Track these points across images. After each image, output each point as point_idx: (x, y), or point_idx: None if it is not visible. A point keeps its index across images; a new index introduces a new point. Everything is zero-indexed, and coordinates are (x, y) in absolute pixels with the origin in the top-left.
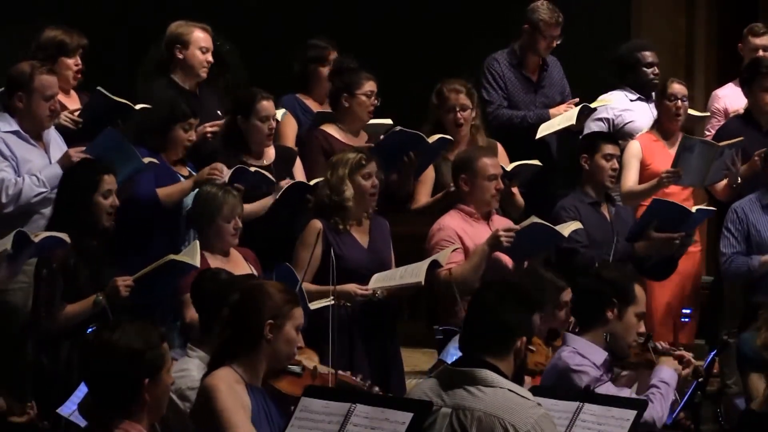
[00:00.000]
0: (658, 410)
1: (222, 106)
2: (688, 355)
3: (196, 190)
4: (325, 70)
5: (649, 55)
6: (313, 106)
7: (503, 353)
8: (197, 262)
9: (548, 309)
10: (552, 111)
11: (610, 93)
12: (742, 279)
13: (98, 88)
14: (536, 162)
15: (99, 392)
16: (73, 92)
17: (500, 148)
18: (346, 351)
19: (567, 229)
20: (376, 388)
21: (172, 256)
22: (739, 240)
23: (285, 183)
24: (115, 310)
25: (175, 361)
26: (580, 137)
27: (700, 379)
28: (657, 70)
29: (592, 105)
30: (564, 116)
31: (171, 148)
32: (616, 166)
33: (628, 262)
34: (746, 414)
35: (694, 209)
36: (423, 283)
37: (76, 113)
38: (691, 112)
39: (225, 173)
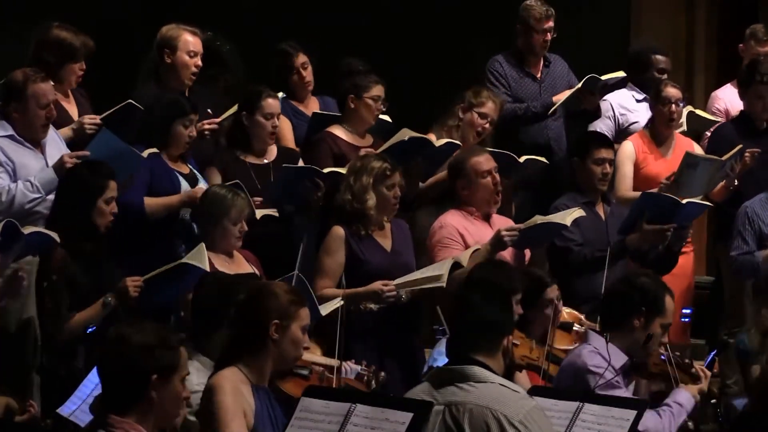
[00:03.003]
0: (666, 427)
1: (213, 106)
2: (707, 374)
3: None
4: (295, 78)
5: (662, 61)
6: (302, 108)
7: (493, 352)
8: (206, 266)
9: (536, 307)
10: (556, 98)
11: (617, 91)
12: (750, 275)
13: (130, 100)
14: (543, 159)
15: (108, 386)
16: (70, 93)
17: None
18: (374, 354)
19: (569, 216)
20: (383, 374)
21: (184, 260)
22: (749, 241)
23: (257, 201)
24: (129, 314)
25: None
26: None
27: (713, 401)
28: (666, 77)
29: (603, 77)
30: (571, 90)
31: (172, 144)
32: (608, 170)
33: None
34: (740, 416)
35: (684, 201)
36: (445, 283)
37: (99, 118)
38: (701, 114)
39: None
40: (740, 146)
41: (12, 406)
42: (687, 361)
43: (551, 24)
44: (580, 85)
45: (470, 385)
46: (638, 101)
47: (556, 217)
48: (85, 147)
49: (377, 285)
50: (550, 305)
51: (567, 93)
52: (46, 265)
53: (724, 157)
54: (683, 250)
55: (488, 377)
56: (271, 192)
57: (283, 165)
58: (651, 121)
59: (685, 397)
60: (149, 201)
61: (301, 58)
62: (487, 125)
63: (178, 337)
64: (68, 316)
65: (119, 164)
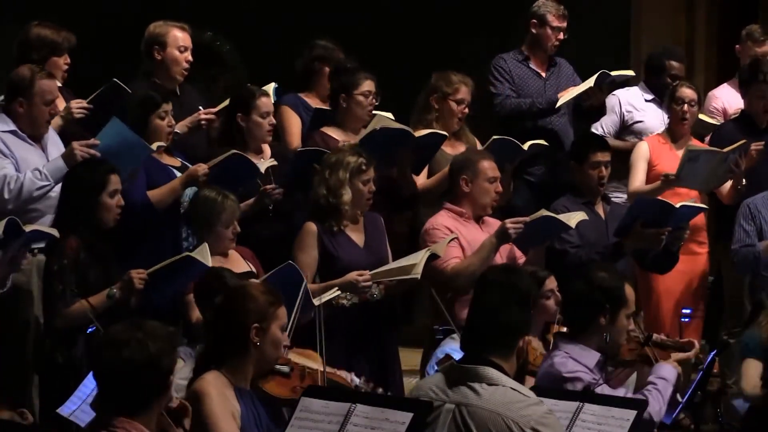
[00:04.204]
0: (654, 405)
1: (204, 104)
2: (692, 342)
3: (191, 191)
4: (329, 72)
5: (675, 67)
6: (315, 105)
7: (507, 352)
8: (210, 263)
9: (537, 302)
10: (561, 94)
11: (627, 88)
12: (751, 267)
13: (114, 79)
14: (544, 142)
15: (110, 389)
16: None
17: (478, 145)
18: (342, 352)
19: (573, 219)
20: (371, 384)
21: (188, 253)
22: (750, 235)
23: (270, 188)
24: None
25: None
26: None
27: (701, 367)
28: (678, 82)
29: (613, 73)
30: (583, 83)
31: (155, 140)
32: (604, 173)
33: (621, 260)
34: (749, 412)
35: (678, 204)
36: (419, 275)
37: (86, 102)
38: (703, 118)
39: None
40: (743, 141)
41: (14, 421)
42: (663, 338)
43: (565, 25)
44: (593, 82)
45: (482, 387)
46: (647, 101)
47: (561, 218)
48: (95, 136)
49: (352, 275)
50: (552, 296)
51: (573, 89)
52: (60, 250)
53: (726, 150)
54: (697, 250)
55: (500, 380)
56: (281, 178)
57: (298, 150)
58: (669, 122)
59: (667, 370)
60: (153, 193)
61: (340, 56)
62: (466, 110)
63: (177, 336)
64: (73, 300)
65: (127, 153)
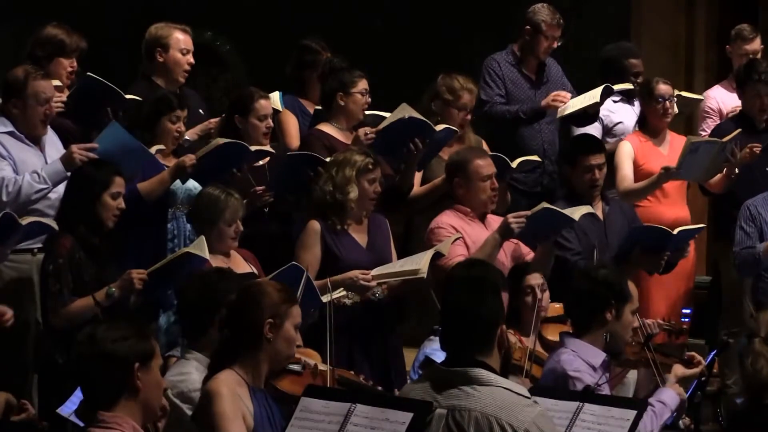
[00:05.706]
0: (647, 425)
1: (204, 105)
2: (698, 357)
3: (184, 193)
4: (316, 76)
5: (637, 64)
6: (311, 108)
7: (489, 348)
8: (207, 255)
9: (518, 297)
10: (543, 102)
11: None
12: (752, 269)
13: (88, 73)
14: (536, 158)
15: (92, 384)
16: (66, 91)
17: (484, 144)
18: (344, 352)
19: (577, 213)
20: (379, 388)
21: (187, 249)
22: (752, 236)
23: (260, 189)
24: (106, 312)
25: (174, 360)
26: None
27: (703, 378)
28: (641, 79)
29: (615, 87)
30: (586, 95)
31: (160, 141)
32: (597, 176)
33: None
34: (733, 416)
35: (675, 231)
36: (425, 275)
37: (65, 96)
38: (684, 94)
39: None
40: (739, 130)
41: (11, 402)
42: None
43: (560, 33)
44: (598, 96)
45: (474, 389)
46: (615, 102)
47: (565, 211)
48: (94, 140)
49: (354, 273)
50: (531, 293)
51: (576, 102)
52: (54, 249)
53: (725, 139)
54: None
55: (492, 380)
56: (273, 181)
57: (287, 153)
58: (642, 118)
59: (668, 395)
60: (142, 184)
61: (326, 56)
62: (468, 116)
63: (149, 328)
64: (70, 300)
65: (127, 158)
